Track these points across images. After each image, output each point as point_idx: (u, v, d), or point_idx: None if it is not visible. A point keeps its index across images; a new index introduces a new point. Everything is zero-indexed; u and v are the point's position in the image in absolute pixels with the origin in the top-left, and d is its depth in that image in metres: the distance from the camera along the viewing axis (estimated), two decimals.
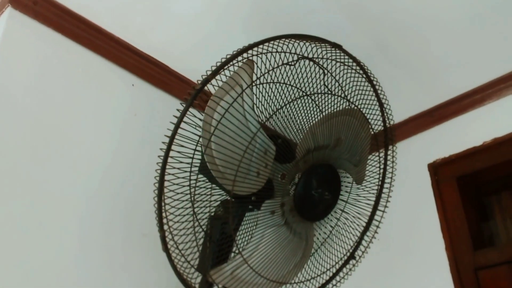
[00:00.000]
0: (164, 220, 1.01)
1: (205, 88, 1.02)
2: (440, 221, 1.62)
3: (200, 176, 1.16)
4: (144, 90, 1.63)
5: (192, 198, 1.12)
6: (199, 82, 1.00)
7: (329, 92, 1.18)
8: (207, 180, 1.18)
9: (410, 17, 1.50)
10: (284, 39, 1.09)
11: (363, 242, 1.28)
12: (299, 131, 1.14)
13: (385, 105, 1.25)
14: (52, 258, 1.25)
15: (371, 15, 1.50)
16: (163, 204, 1.01)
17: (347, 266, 1.27)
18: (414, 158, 1.76)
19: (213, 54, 1.57)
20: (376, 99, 1.24)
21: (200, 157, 1.10)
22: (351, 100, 1.19)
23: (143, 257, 1.43)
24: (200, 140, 1.07)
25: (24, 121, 1.30)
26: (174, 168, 1.01)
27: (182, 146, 1.02)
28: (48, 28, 1.42)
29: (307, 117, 1.15)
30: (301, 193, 1.11)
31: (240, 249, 1.08)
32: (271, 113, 1.08)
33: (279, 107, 1.09)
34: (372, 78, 1.21)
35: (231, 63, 1.04)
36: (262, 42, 1.05)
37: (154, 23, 1.54)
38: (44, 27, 1.41)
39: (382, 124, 1.28)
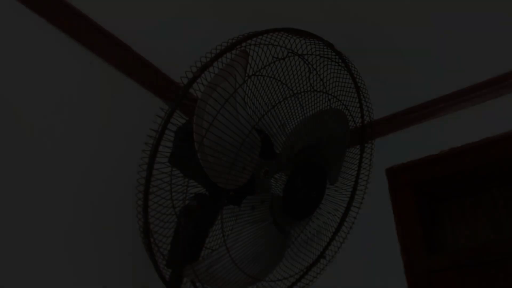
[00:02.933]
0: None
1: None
2: (396, 225, 1.66)
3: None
4: (101, 68, 1.54)
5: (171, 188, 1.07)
6: (195, 68, 0.94)
7: (313, 89, 1.16)
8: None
9: (384, 22, 1.52)
10: (278, 32, 1.06)
11: (338, 243, 1.27)
12: (285, 129, 1.12)
13: (368, 107, 1.25)
14: (10, 251, 1.15)
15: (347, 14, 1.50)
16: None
17: (317, 265, 1.26)
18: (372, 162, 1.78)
19: (178, 37, 1.55)
20: (358, 103, 1.24)
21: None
22: (338, 97, 1.18)
23: (104, 250, 1.35)
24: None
25: None
26: (165, 156, 0.95)
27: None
28: None
29: (296, 116, 1.13)
30: (290, 191, 1.08)
31: (226, 238, 1.04)
32: (264, 112, 1.04)
33: (271, 106, 1.06)
34: (359, 84, 1.21)
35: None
36: (261, 33, 1.01)
37: None
38: None
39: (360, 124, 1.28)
